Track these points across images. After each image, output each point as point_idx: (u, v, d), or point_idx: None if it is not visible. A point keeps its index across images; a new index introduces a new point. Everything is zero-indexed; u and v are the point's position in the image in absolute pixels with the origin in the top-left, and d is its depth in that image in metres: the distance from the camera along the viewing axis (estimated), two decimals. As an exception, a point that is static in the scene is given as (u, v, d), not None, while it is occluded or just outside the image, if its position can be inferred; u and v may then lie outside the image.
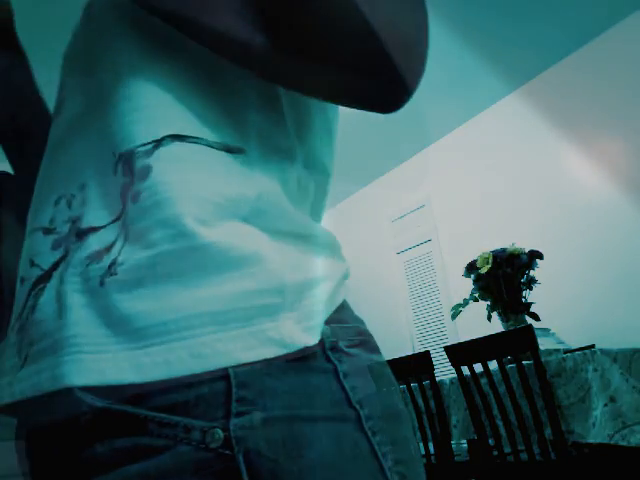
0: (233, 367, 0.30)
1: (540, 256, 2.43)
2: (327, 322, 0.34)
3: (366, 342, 0.38)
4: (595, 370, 1.69)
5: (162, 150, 0.33)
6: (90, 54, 0.40)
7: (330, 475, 0.30)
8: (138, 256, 0.31)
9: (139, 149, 0.33)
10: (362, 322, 0.40)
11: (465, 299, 2.53)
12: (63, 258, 0.34)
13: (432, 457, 2.31)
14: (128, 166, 0.33)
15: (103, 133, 0.36)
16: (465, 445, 2.85)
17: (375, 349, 0.38)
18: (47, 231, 0.36)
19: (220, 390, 0.29)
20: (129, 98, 0.35)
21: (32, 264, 0.36)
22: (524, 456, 1.95)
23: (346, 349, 0.35)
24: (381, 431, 0.33)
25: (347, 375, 0.34)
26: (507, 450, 1.97)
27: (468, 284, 3.11)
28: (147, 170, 0.32)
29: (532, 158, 3.50)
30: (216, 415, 0.29)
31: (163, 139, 0.33)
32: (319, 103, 0.44)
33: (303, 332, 0.32)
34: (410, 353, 4.00)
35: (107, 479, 0.29)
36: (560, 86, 3.39)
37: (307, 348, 0.32)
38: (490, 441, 2.02)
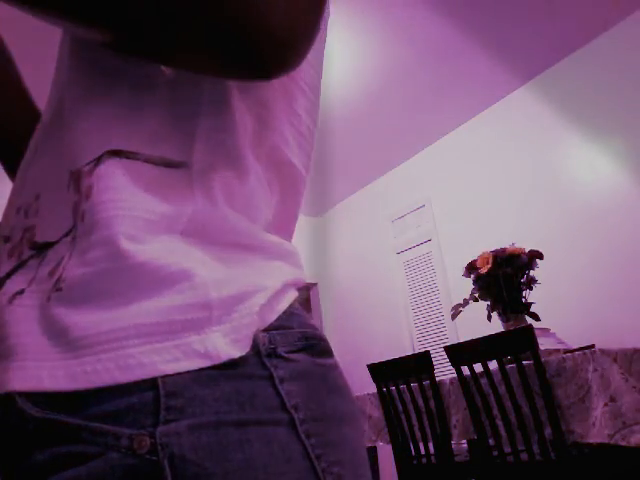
0: (162, 377, 0.31)
1: (540, 256, 2.43)
2: (267, 329, 0.36)
3: (311, 347, 0.38)
4: (595, 370, 1.69)
5: (101, 168, 0.35)
6: (58, 72, 0.43)
7: (257, 476, 0.31)
8: (78, 272, 0.33)
9: (85, 168, 0.35)
10: (312, 327, 0.40)
11: (465, 299, 2.53)
12: (18, 267, 0.36)
13: (432, 457, 2.31)
14: (77, 184, 0.35)
15: (59, 149, 0.38)
16: (465, 445, 2.86)
17: (323, 353, 0.39)
18: (6, 239, 0.38)
19: (149, 399, 0.31)
20: (76, 116, 0.37)
21: None
22: (524, 456, 1.95)
23: (285, 354, 0.36)
24: (317, 434, 0.34)
25: (283, 380, 0.35)
26: (507, 450, 1.97)
27: (468, 284, 3.11)
28: (89, 189, 0.34)
29: (532, 158, 3.50)
30: (145, 423, 0.30)
31: (102, 156, 0.35)
32: (281, 100, 0.43)
33: (229, 344, 0.33)
34: (410, 353, 4.02)
35: None
36: (560, 86, 3.39)
37: (240, 357, 0.33)
38: (490, 441, 2.02)
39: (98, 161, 0.35)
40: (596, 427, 1.63)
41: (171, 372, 0.31)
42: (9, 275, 0.36)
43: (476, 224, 3.78)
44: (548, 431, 1.77)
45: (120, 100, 0.37)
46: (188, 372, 0.32)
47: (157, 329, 0.32)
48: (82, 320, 0.32)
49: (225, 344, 0.33)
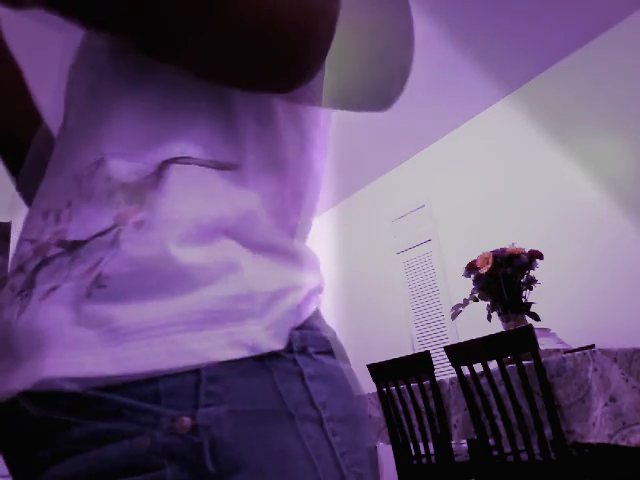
0: (204, 364, 0.33)
1: (540, 256, 2.43)
2: (298, 328, 0.38)
3: (334, 351, 0.40)
4: (595, 370, 1.69)
5: (162, 180, 0.36)
6: (86, 83, 0.43)
7: (287, 466, 0.32)
8: (124, 271, 0.34)
9: (146, 181, 0.36)
10: (332, 332, 0.42)
11: (465, 299, 2.53)
12: (42, 264, 0.37)
13: (432, 457, 2.31)
14: (126, 193, 0.36)
15: (96, 157, 0.38)
16: (465, 445, 2.85)
17: (341, 358, 0.41)
18: (32, 241, 0.39)
19: (190, 383, 0.32)
20: (120, 128, 0.38)
21: (21, 271, 0.38)
22: (524, 456, 1.95)
23: (314, 355, 0.38)
24: (340, 433, 0.36)
25: (312, 378, 0.36)
26: (507, 450, 1.97)
27: (468, 284, 3.11)
28: (152, 201, 0.36)
29: (532, 158, 3.50)
30: (185, 405, 0.32)
31: (162, 168, 0.36)
32: (312, 112, 0.46)
33: (269, 338, 0.35)
34: (410, 353, 4.02)
35: (83, 459, 0.31)
36: (560, 86, 3.39)
37: (274, 351, 0.35)
38: (490, 441, 2.02)
39: (159, 173, 0.36)
40: (596, 427, 1.63)
41: (216, 360, 0.33)
42: (36, 272, 0.37)
43: (476, 224, 3.78)
44: (548, 431, 1.77)
45: (173, 109, 0.39)
46: (229, 360, 0.33)
47: (204, 318, 0.33)
48: (127, 311, 0.33)
49: (266, 337, 0.35)
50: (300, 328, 0.38)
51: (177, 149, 0.37)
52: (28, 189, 0.57)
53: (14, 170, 0.61)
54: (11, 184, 1.60)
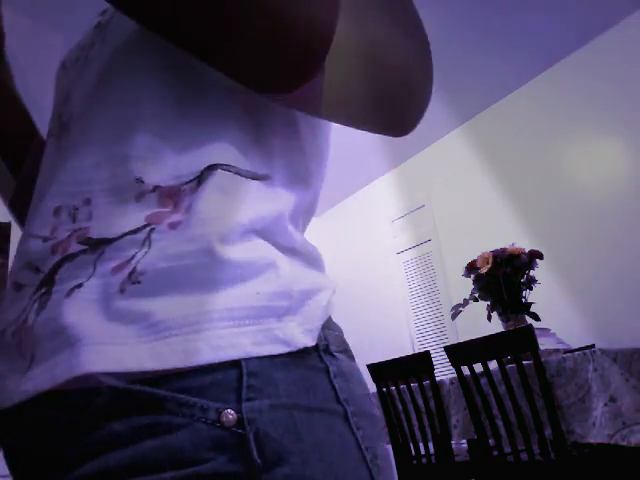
0: (244, 358, 0.33)
1: (540, 256, 2.43)
2: (322, 327, 0.39)
3: (348, 350, 0.42)
4: (595, 370, 1.69)
5: (202, 186, 0.37)
6: (108, 78, 0.42)
7: (325, 458, 0.34)
8: (161, 266, 0.34)
9: (184, 187, 0.37)
10: (342, 332, 0.44)
11: (465, 299, 2.53)
12: (64, 260, 0.36)
13: (432, 457, 2.31)
14: (160, 196, 0.37)
15: (122, 156, 0.38)
16: (465, 445, 2.85)
17: (353, 357, 0.43)
18: (47, 239, 0.38)
19: (233, 377, 0.33)
20: (167, 132, 0.39)
21: (33, 269, 0.37)
22: (524, 456, 1.95)
23: (335, 353, 0.39)
24: (363, 428, 0.37)
25: (336, 375, 0.38)
26: (507, 450, 1.97)
27: (468, 284, 3.11)
28: (189, 206, 0.36)
29: (532, 158, 3.50)
30: (229, 399, 0.32)
31: (202, 174, 0.37)
32: (325, 126, 0.50)
33: (304, 334, 0.36)
34: (410, 353, 4.01)
35: (127, 453, 0.31)
36: (560, 86, 3.39)
37: (306, 348, 0.36)
38: (490, 441, 2.02)
39: (199, 179, 0.37)
40: (596, 427, 1.63)
41: (257, 354, 0.33)
42: (56, 269, 0.36)
43: (476, 224, 3.78)
44: (548, 431, 1.77)
45: (206, 116, 0.40)
46: (267, 355, 0.34)
47: (245, 313, 0.34)
48: (166, 306, 0.33)
49: (300, 333, 0.36)
50: (324, 327, 0.39)
51: (217, 157, 0.38)
52: (23, 200, 0.56)
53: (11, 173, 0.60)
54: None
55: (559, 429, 1.72)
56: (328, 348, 0.39)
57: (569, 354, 1.81)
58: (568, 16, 3.00)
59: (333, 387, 0.37)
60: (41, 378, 0.33)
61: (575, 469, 1.73)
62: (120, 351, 0.32)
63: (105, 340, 0.32)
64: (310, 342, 0.36)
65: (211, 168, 0.37)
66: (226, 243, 0.35)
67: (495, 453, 1.99)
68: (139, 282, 0.34)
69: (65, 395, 0.32)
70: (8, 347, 0.36)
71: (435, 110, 3.78)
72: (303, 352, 0.36)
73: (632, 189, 2.97)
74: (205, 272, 0.34)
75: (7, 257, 3.56)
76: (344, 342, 0.42)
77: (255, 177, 0.39)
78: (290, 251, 0.40)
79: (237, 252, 0.35)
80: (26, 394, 0.33)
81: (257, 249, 0.37)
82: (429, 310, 4.07)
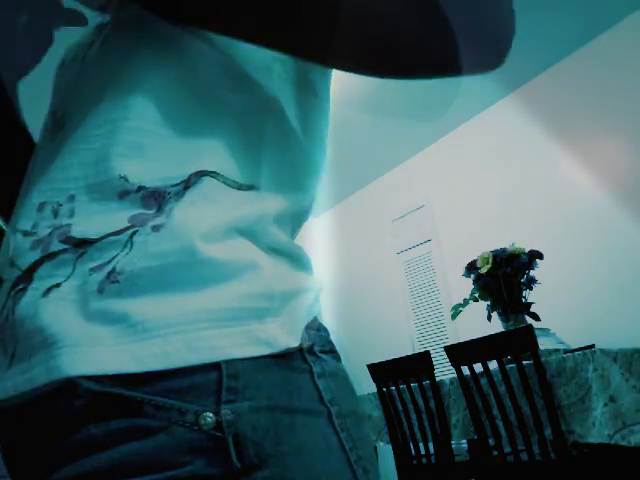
0: (225, 360, 0.33)
1: (540, 256, 2.43)
2: (305, 328, 0.38)
3: (334, 351, 0.42)
4: (595, 370, 1.69)
5: (190, 188, 0.37)
6: (103, 79, 0.42)
7: (307, 460, 0.33)
8: (140, 266, 0.34)
9: (170, 189, 0.37)
10: (329, 333, 0.43)
11: (465, 299, 2.53)
12: (45, 258, 0.36)
13: (432, 457, 2.31)
14: (145, 197, 0.36)
15: (108, 154, 0.38)
16: (465, 445, 2.85)
17: (339, 358, 0.42)
18: (27, 234, 0.38)
19: (212, 379, 0.32)
20: (158, 140, 0.38)
21: (12, 265, 0.37)
22: (524, 456, 1.95)
23: (319, 354, 0.39)
24: (347, 429, 0.37)
25: (320, 376, 0.38)
26: (507, 450, 1.97)
27: (468, 284, 3.11)
28: (173, 209, 0.36)
29: (532, 158, 3.50)
30: (208, 401, 0.32)
31: (189, 179, 0.37)
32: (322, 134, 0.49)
33: (286, 335, 0.36)
34: (410, 353, 4.01)
35: (103, 457, 0.31)
36: (559, 87, 3.39)
37: (288, 349, 0.36)
38: (490, 441, 2.02)
39: (186, 184, 0.37)
40: (596, 427, 1.63)
41: (237, 356, 0.33)
42: (35, 267, 0.36)
43: (476, 224, 3.78)
44: (548, 431, 1.77)
45: (198, 125, 0.39)
46: (248, 357, 0.34)
47: (226, 315, 0.34)
48: (145, 307, 0.33)
49: (283, 335, 0.36)
50: (308, 328, 0.39)
51: (206, 164, 0.38)
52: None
53: None
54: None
55: (559, 429, 1.72)
56: (312, 349, 0.38)
57: (569, 354, 1.81)
58: (568, 16, 3.00)
59: (317, 388, 0.37)
60: (20, 378, 0.33)
61: (575, 469, 1.73)
62: (98, 353, 0.31)
63: (83, 342, 0.32)
64: (293, 343, 0.36)
65: (199, 174, 0.37)
66: (207, 241, 0.35)
67: (495, 453, 1.99)
68: (118, 282, 0.33)
69: (44, 396, 0.32)
70: None
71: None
72: (286, 353, 0.36)
73: (632, 188, 2.96)
74: (185, 272, 0.34)
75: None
76: (330, 343, 0.42)
77: (240, 188, 0.39)
78: (274, 252, 0.40)
79: (218, 250, 0.35)
80: (5, 393, 0.33)
81: (239, 248, 0.37)
82: (429, 310, 4.07)
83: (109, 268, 0.34)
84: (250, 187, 0.40)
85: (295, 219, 0.45)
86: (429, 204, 4.17)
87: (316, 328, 0.40)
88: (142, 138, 0.38)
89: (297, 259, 0.42)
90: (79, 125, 0.41)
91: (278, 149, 0.43)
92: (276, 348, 0.35)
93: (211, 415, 0.31)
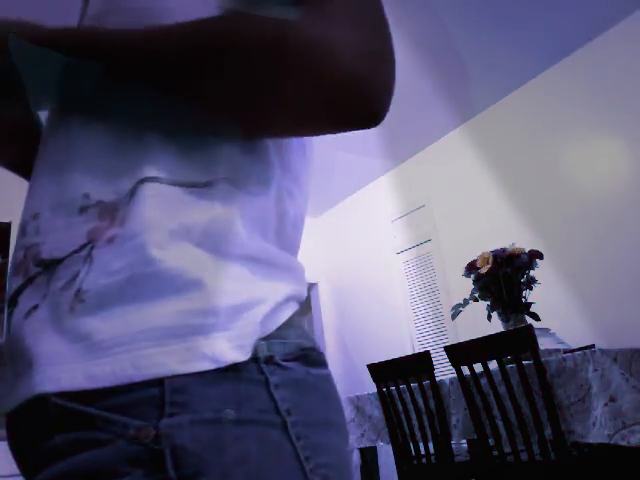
0: (168, 376, 0.35)
1: (540, 256, 2.43)
2: (266, 338, 0.39)
3: (305, 357, 0.41)
4: (595, 370, 1.69)
5: (136, 199, 0.39)
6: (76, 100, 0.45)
7: (252, 469, 0.34)
8: (101, 283, 0.36)
9: (121, 200, 0.39)
10: (309, 339, 0.43)
11: (465, 299, 2.53)
12: (27, 283, 0.39)
13: (432, 457, 2.31)
14: (101, 210, 0.39)
15: (70, 172, 0.41)
16: (465, 445, 2.85)
17: (316, 363, 0.42)
18: (14, 258, 0.42)
19: (155, 394, 0.34)
20: (104, 149, 0.41)
21: (8, 288, 0.42)
22: (524, 456, 1.95)
23: (282, 362, 0.39)
24: (306, 437, 0.38)
25: (278, 386, 0.38)
26: (507, 450, 1.97)
27: (468, 284, 3.11)
28: (123, 219, 0.38)
29: (532, 158, 3.50)
30: (151, 415, 0.34)
31: (135, 188, 0.39)
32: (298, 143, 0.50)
33: (233, 349, 0.37)
34: (410, 353, 4.01)
35: (61, 465, 0.34)
36: (560, 86, 3.39)
37: (240, 362, 0.36)
38: (490, 441, 2.02)
39: (133, 193, 0.39)
40: (596, 427, 1.63)
41: (180, 372, 0.35)
42: (19, 292, 0.40)
43: (476, 224, 3.78)
44: (548, 431, 1.77)
45: (144, 140, 0.41)
46: (193, 372, 0.35)
47: (169, 332, 0.35)
48: (104, 325, 0.35)
49: (229, 349, 0.36)
50: (267, 338, 0.39)
51: (147, 171, 0.40)
52: None
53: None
54: (11, 184, 1.60)
55: (559, 429, 1.72)
56: (272, 359, 0.38)
57: (569, 354, 1.81)
58: (568, 16, 3.00)
59: (272, 398, 0.37)
60: (17, 393, 0.37)
61: (575, 469, 1.73)
62: (60, 371, 0.35)
63: (53, 360, 0.35)
64: (241, 357, 0.36)
65: (142, 182, 0.39)
66: (158, 248, 0.37)
67: (495, 453, 1.99)
68: (84, 300, 0.36)
69: (28, 409, 0.36)
70: (3, 358, 0.40)
71: (435, 110, 3.78)
72: (236, 366, 0.36)
73: (632, 188, 2.97)
74: (135, 287, 0.36)
75: (7, 257, 3.56)
76: (302, 349, 0.41)
77: (193, 185, 0.40)
78: (233, 258, 0.39)
79: (168, 260, 0.37)
80: (9, 406, 0.38)
81: (186, 257, 0.38)
82: (429, 310, 4.07)
83: (76, 286, 0.37)
84: (205, 184, 0.41)
85: (277, 224, 0.44)
86: (429, 204, 4.18)
87: (280, 336, 0.40)
88: (98, 159, 0.41)
89: (266, 264, 0.42)
90: (52, 146, 0.45)
91: (239, 148, 0.43)
92: (222, 363, 0.36)
93: (151, 429, 0.33)
